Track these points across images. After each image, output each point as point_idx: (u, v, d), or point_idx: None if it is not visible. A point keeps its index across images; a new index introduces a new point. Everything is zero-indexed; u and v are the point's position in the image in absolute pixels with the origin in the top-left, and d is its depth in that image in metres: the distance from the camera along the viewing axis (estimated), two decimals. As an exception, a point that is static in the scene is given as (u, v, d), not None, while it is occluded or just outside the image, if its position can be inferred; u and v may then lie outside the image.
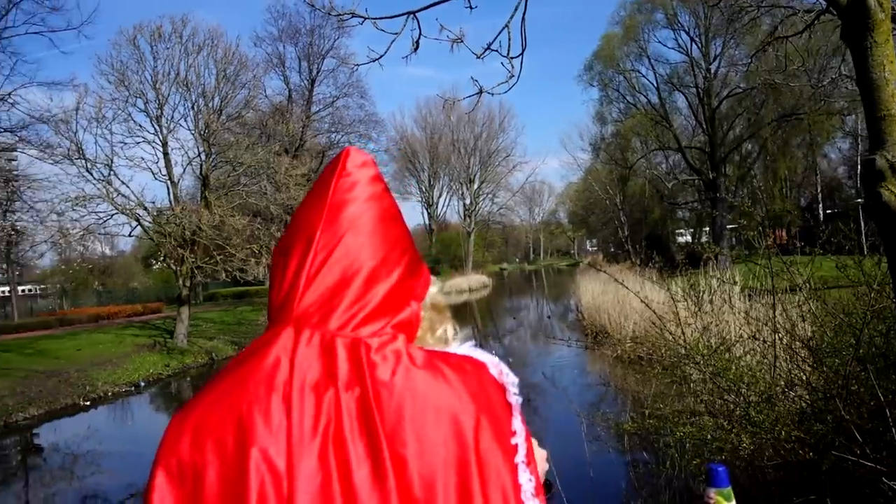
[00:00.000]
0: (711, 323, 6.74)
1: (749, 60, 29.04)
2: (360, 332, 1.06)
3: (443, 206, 70.84)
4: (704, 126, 37.43)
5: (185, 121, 27.19)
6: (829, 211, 37.04)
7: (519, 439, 1.07)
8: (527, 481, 1.04)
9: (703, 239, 33.82)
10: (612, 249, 49.50)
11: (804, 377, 5.50)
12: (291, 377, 1.01)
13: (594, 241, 65.86)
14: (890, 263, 4.09)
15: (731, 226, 31.22)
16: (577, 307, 20.45)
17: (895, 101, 3.97)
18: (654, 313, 6.56)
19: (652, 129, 40.70)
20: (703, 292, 7.23)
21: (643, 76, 41.19)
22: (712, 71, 37.17)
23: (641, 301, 7.14)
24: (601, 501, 5.15)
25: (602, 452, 7.42)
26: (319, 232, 1.09)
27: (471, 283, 51.25)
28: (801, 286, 6.22)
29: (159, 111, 26.19)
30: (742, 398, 5.39)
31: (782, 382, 5.60)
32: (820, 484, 4.61)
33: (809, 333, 6.30)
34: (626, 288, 8.40)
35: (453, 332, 1.26)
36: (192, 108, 27.09)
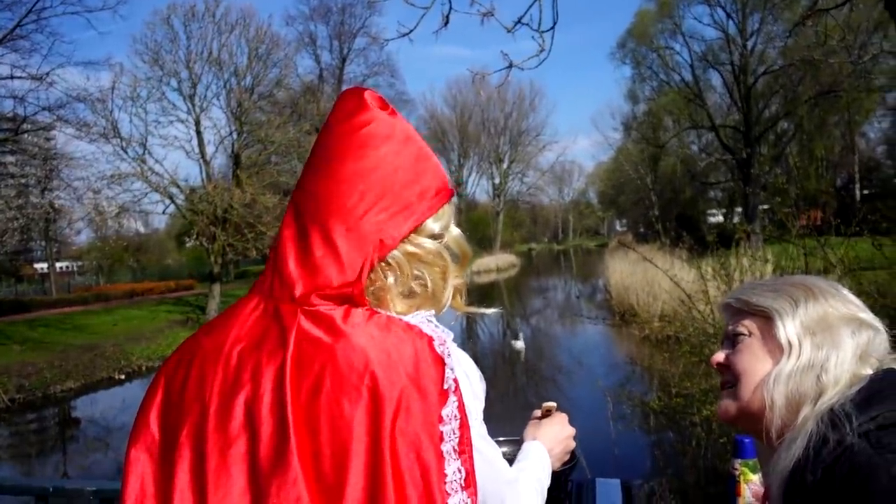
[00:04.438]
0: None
1: (787, 35, 28.34)
2: (303, 299, 1.02)
3: (472, 185, 70.67)
4: (739, 104, 36.63)
5: (218, 100, 27.44)
6: (866, 192, 36.19)
7: (448, 427, 0.98)
8: (454, 472, 0.97)
9: (736, 219, 33.31)
10: (642, 230, 49.00)
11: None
12: (230, 345, 1.02)
13: (624, 221, 65.13)
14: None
15: (763, 206, 30.71)
16: (605, 287, 20.34)
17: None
18: (684, 292, 6.51)
19: (685, 108, 40.00)
20: (735, 271, 7.15)
21: (677, 53, 40.33)
22: (749, 47, 36.28)
23: (671, 280, 7.08)
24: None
25: (628, 431, 7.42)
26: (299, 194, 1.08)
27: (499, 262, 51.24)
28: (835, 266, 6.12)
29: (192, 90, 26.46)
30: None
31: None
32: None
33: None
34: (657, 266, 8.36)
35: (436, 290, 1.12)
36: (225, 87, 27.32)
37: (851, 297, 1.17)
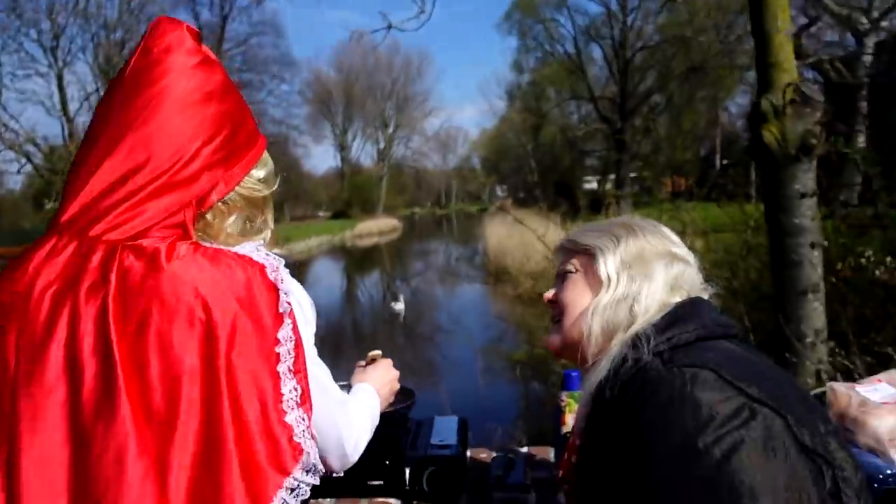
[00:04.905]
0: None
1: (659, 11, 29.55)
2: (124, 235, 0.96)
3: (356, 149, 69.84)
4: (617, 77, 38.13)
5: (84, 53, 25.70)
6: (725, 162, 38.69)
7: (284, 348, 0.99)
8: (290, 391, 0.99)
9: (609, 186, 34.85)
10: (522, 195, 50.28)
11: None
12: (34, 287, 0.95)
13: (505, 187, 66.53)
14: (765, 201, 4.33)
15: (633, 174, 32.30)
16: (484, 250, 20.81)
17: (783, 49, 4.18)
18: (550, 250, 6.76)
19: (567, 79, 41.17)
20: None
21: (562, 26, 41.34)
22: (628, 23, 37.73)
23: (539, 239, 7.35)
24: (492, 430, 5.38)
25: (496, 384, 7.68)
26: (106, 127, 1.00)
27: (381, 226, 51.14)
28: (687, 225, 6.54)
29: (55, 42, 24.68)
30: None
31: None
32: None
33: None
34: (529, 228, 8.65)
35: (263, 228, 1.15)
36: (92, 40, 25.64)
37: (669, 233, 1.25)
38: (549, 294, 1.29)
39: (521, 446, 2.14)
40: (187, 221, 1.00)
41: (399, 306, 15.54)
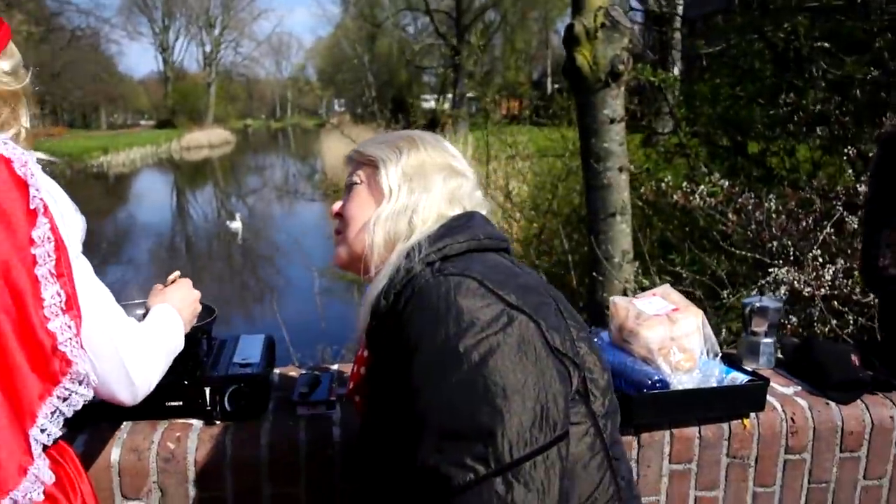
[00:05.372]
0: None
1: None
2: None
3: (180, 51, 64.92)
4: (452, -11, 37.88)
5: None
6: (557, 86, 40.11)
7: (42, 250, 0.92)
8: (52, 296, 0.92)
9: (446, 105, 35.03)
10: (360, 111, 49.47)
11: (511, 229, 6.24)
12: None
13: (342, 100, 64.93)
14: (579, 125, 4.63)
15: (470, 94, 32.66)
16: (322, 167, 20.41)
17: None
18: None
19: (402, -13, 40.31)
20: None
21: (395, -71, 40.07)
22: (461, -68, 37.24)
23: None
24: (324, 351, 5.51)
25: (333, 306, 7.78)
26: None
27: (211, 138, 48.36)
28: (517, 149, 6.86)
29: None
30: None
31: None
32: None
33: (523, 193, 7.09)
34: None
35: (12, 123, 1.03)
36: None
37: (450, 148, 1.29)
38: (336, 207, 1.28)
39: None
40: None
41: (235, 225, 15.08)
